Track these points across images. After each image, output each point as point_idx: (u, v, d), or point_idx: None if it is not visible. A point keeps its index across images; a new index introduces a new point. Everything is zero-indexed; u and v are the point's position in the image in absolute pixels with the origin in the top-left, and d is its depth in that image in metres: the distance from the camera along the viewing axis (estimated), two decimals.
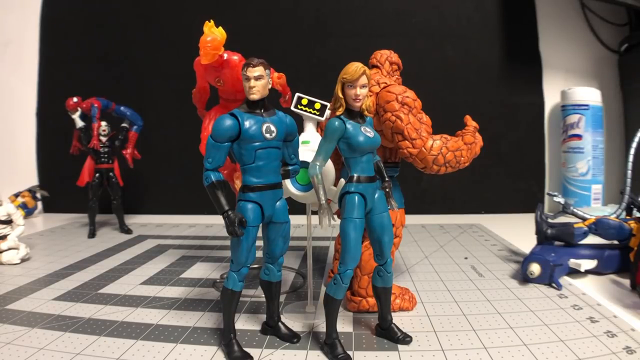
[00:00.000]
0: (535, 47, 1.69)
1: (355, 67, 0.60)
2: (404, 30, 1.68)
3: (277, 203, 0.62)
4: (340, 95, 0.61)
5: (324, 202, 0.62)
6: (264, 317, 0.73)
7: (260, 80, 0.59)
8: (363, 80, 0.60)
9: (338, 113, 0.61)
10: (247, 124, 0.59)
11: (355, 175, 0.62)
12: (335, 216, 0.71)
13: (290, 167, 0.65)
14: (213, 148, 0.58)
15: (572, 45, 1.71)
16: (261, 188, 0.60)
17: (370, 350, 0.62)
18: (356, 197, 0.61)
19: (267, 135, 0.60)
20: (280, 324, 0.66)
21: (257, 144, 0.59)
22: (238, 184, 0.85)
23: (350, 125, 0.61)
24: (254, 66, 0.59)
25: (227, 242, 1.27)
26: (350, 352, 0.61)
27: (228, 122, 0.58)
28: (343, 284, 0.61)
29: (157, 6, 1.74)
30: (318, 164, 0.61)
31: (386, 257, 0.64)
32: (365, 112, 0.63)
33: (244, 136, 0.58)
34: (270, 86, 0.63)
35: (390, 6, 1.68)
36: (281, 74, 0.82)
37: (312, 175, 0.61)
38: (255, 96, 0.60)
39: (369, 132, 0.62)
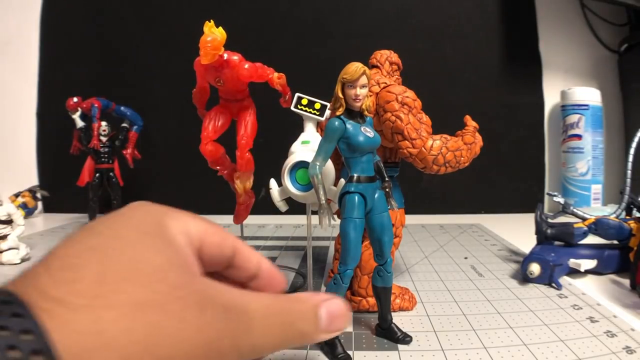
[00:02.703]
0: (535, 47, 1.69)
1: (355, 67, 0.60)
2: (404, 30, 1.68)
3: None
4: (340, 95, 0.61)
5: (323, 202, 0.62)
6: None
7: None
8: (363, 80, 0.60)
9: (338, 113, 0.61)
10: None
11: (355, 175, 0.62)
12: (335, 216, 0.71)
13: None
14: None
15: (572, 45, 1.71)
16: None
17: (370, 350, 0.62)
18: (356, 197, 0.61)
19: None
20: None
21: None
22: (238, 184, 0.85)
23: (350, 125, 0.61)
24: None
25: None
26: (350, 352, 0.61)
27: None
28: (343, 284, 0.61)
29: (157, 6, 1.74)
30: (318, 163, 0.61)
31: (386, 256, 0.64)
32: (365, 112, 0.63)
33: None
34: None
35: (390, 6, 1.68)
36: (281, 74, 0.82)
37: (312, 175, 0.61)
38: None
39: (369, 132, 0.62)
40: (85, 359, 0.24)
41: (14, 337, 0.22)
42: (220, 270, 0.38)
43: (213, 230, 0.37)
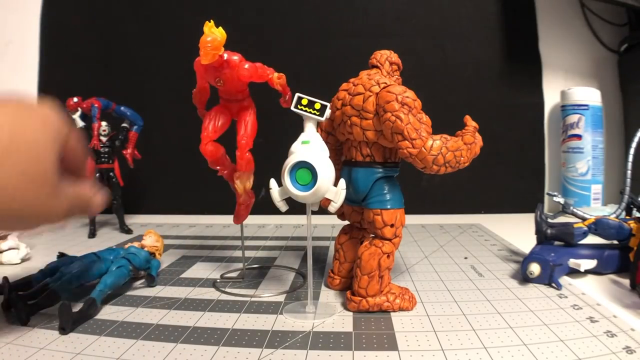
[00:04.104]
0: (535, 47, 1.69)
1: None
2: (404, 30, 1.68)
3: None
4: None
5: None
6: (264, 317, 0.73)
7: None
8: None
9: None
10: None
11: None
12: (331, 209, 0.71)
13: None
14: None
15: (572, 45, 1.71)
16: None
17: (370, 350, 0.62)
18: None
19: None
20: None
21: None
22: (239, 184, 0.85)
23: None
24: None
25: (227, 242, 1.27)
26: (350, 352, 0.62)
27: None
28: None
29: (157, 6, 1.74)
30: None
31: None
32: None
33: None
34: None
35: (391, 6, 1.68)
36: (281, 74, 0.82)
37: None
38: None
39: None
40: None
41: None
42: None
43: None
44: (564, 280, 0.89)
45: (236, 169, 0.84)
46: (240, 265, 1.00)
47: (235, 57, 0.77)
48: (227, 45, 0.78)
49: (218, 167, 0.87)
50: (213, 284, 0.91)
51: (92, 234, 1.36)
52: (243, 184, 0.84)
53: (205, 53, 0.73)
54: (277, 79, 0.81)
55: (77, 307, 0.73)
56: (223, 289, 0.88)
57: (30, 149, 0.43)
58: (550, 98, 1.71)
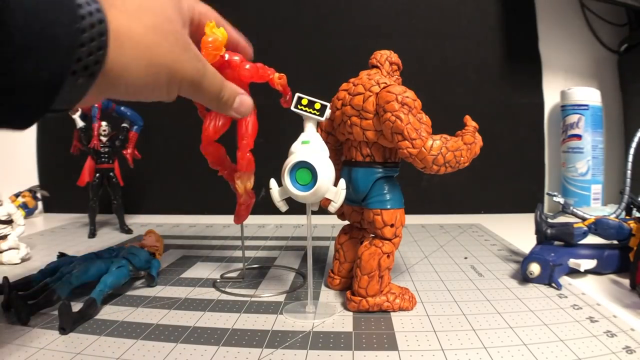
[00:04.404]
0: (535, 47, 1.69)
1: None
2: (404, 30, 1.68)
3: None
4: None
5: None
6: (264, 317, 0.73)
7: None
8: None
9: None
10: None
11: None
12: (331, 209, 0.71)
13: None
14: None
15: (572, 45, 1.71)
16: None
17: (370, 350, 0.62)
18: None
19: None
20: None
21: None
22: (239, 185, 0.85)
23: None
24: None
25: (227, 242, 1.27)
26: (350, 352, 0.62)
27: None
28: None
29: None
30: None
31: None
32: None
33: None
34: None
35: (391, 6, 1.68)
36: (282, 74, 0.82)
37: None
38: None
39: None
40: (121, 32, 0.44)
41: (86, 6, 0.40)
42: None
43: (207, 14, 0.64)
44: (564, 280, 0.89)
45: (237, 169, 0.84)
46: (240, 265, 1.00)
47: (236, 58, 0.77)
48: (227, 46, 0.78)
49: (218, 168, 0.87)
50: (213, 284, 0.91)
51: (92, 234, 1.36)
52: (244, 184, 0.84)
53: (207, 53, 0.73)
54: (277, 79, 0.81)
55: (77, 307, 0.73)
56: (223, 289, 0.88)
57: (162, 9, 0.50)
58: (550, 98, 1.71)
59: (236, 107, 0.62)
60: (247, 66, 0.78)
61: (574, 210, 1.18)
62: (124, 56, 0.45)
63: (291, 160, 0.70)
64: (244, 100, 0.63)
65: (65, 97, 0.41)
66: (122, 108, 1.41)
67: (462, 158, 0.73)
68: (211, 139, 0.83)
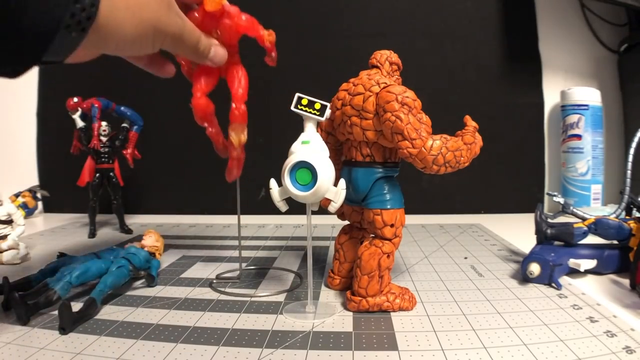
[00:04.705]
0: (535, 47, 1.69)
1: None
2: (404, 30, 1.68)
3: None
4: None
5: None
6: (264, 317, 0.74)
7: None
8: None
9: None
10: None
11: None
12: (331, 209, 0.71)
13: None
14: None
15: (572, 45, 1.71)
16: None
17: (370, 350, 0.62)
18: None
19: None
20: None
21: None
22: (233, 137, 0.79)
23: None
24: None
25: (227, 242, 1.27)
26: (350, 352, 0.62)
27: None
28: None
29: None
30: None
31: None
32: None
33: None
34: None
35: (391, 6, 1.68)
36: (271, 31, 0.82)
37: None
38: None
39: None
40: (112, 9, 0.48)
41: None
42: None
43: None
44: (564, 280, 0.89)
45: (230, 120, 0.81)
46: (237, 265, 0.99)
47: (233, 10, 0.77)
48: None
49: (205, 123, 0.84)
50: (209, 284, 0.91)
51: (92, 234, 1.36)
52: (238, 136, 0.81)
53: (211, 2, 0.72)
54: (267, 35, 0.81)
55: (77, 307, 0.73)
56: (221, 290, 0.88)
57: None
58: (550, 98, 1.71)
59: (212, 56, 0.70)
60: (244, 17, 0.77)
61: (574, 210, 1.18)
62: (116, 14, 0.49)
63: (291, 160, 0.70)
64: (218, 50, 0.71)
65: (57, 49, 0.45)
66: (122, 108, 1.41)
67: (462, 158, 0.73)
68: (204, 91, 0.80)
